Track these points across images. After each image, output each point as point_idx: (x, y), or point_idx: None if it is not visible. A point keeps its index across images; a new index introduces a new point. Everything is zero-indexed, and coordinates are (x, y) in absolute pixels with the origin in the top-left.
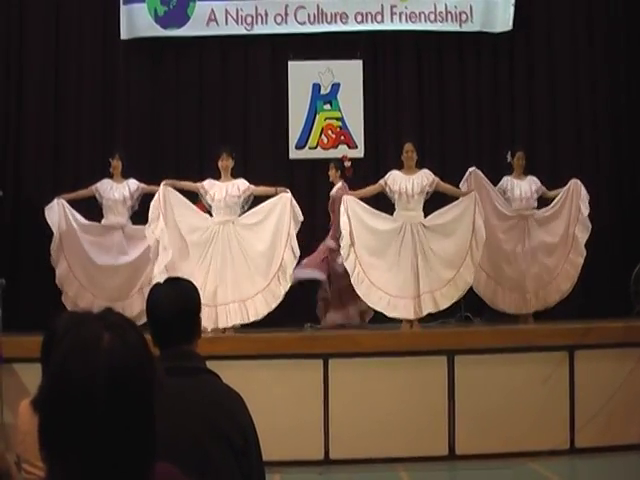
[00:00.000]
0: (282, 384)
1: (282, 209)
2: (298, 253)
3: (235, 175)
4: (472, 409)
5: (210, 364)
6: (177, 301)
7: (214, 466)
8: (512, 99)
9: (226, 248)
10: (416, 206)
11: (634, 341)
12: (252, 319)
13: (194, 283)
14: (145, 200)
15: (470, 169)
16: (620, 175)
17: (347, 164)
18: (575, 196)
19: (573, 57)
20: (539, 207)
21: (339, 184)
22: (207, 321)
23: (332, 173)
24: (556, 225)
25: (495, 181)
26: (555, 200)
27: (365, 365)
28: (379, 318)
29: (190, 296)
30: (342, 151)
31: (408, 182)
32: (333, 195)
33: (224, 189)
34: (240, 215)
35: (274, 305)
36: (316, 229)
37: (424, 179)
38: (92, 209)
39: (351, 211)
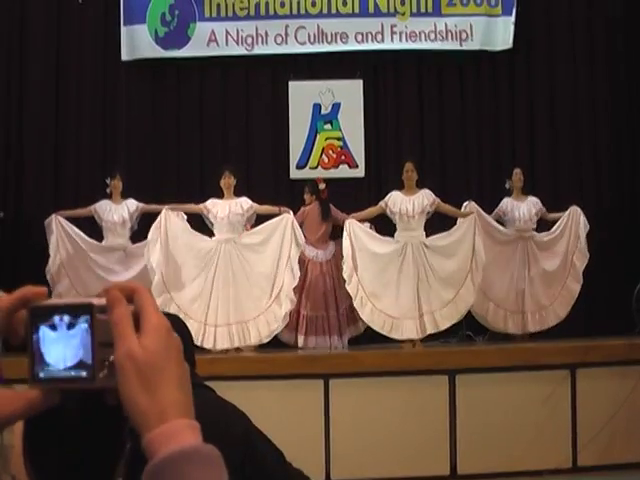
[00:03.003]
0: (282, 405)
1: (284, 230)
2: (298, 274)
3: (237, 194)
4: (474, 428)
5: (210, 385)
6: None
7: None
8: (512, 118)
9: (228, 268)
10: (417, 226)
11: (636, 359)
12: (254, 341)
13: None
14: (145, 219)
15: (466, 203)
16: (621, 191)
17: (321, 186)
18: (574, 224)
19: (573, 76)
20: (539, 228)
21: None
22: (203, 340)
23: (307, 197)
24: (555, 251)
25: (496, 201)
26: (555, 227)
27: (366, 385)
28: (380, 338)
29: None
30: (343, 171)
31: (409, 203)
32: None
33: (227, 207)
34: (242, 234)
35: (276, 327)
36: None
37: (425, 199)
38: (92, 229)
39: (354, 235)
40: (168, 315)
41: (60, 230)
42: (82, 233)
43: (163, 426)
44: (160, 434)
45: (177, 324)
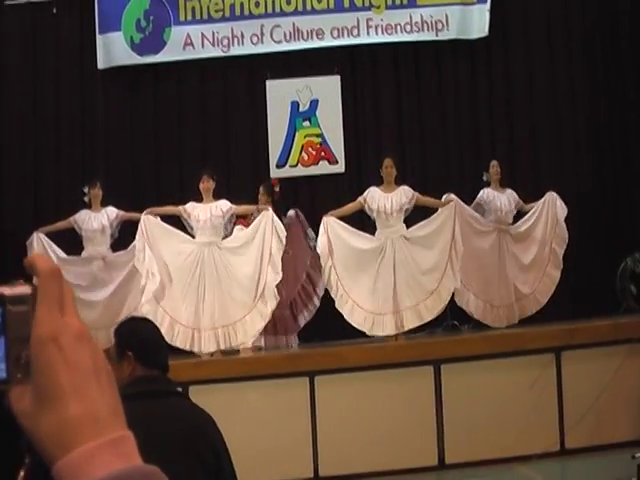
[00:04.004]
0: (269, 404)
1: (264, 227)
2: (280, 269)
3: (217, 196)
4: (460, 417)
5: (196, 388)
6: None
7: None
8: (491, 107)
9: (212, 272)
10: (396, 223)
11: (621, 338)
12: (241, 341)
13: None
14: (125, 227)
15: (445, 195)
16: (601, 175)
17: (276, 189)
18: (551, 208)
19: (550, 61)
20: (515, 221)
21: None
22: (192, 345)
23: (262, 197)
24: (533, 238)
25: (476, 193)
26: (530, 212)
27: (351, 380)
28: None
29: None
30: (323, 168)
31: (387, 200)
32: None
33: (208, 210)
34: (224, 238)
35: (262, 325)
36: None
37: (403, 197)
38: (72, 241)
39: (332, 231)
40: (138, 318)
41: (41, 247)
42: (60, 250)
43: (68, 456)
44: (66, 466)
45: (146, 327)
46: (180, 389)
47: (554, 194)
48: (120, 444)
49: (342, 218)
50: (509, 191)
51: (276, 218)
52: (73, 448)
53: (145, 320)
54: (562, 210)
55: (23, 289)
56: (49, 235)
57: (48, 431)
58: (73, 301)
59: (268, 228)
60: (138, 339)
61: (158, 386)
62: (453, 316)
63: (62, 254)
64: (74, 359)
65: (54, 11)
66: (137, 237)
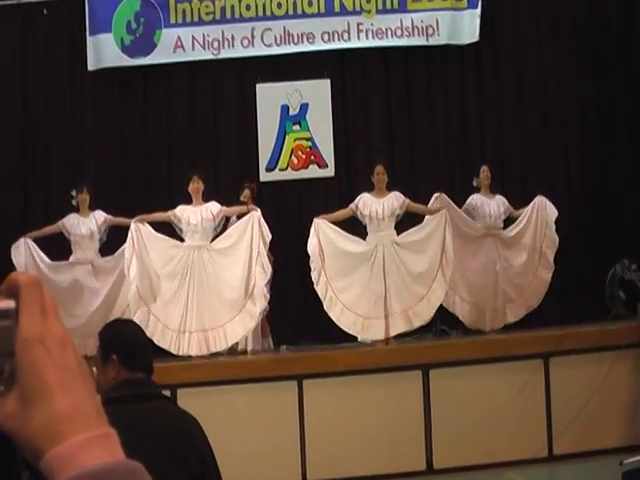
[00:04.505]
0: (257, 408)
1: (252, 228)
2: (270, 270)
3: (206, 199)
4: (449, 422)
5: (185, 392)
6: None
7: None
8: (481, 112)
9: (201, 275)
10: (387, 228)
11: (609, 344)
12: (230, 343)
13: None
14: (113, 231)
15: (436, 194)
16: (591, 182)
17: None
18: (540, 212)
19: (540, 66)
20: (506, 226)
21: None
22: (182, 348)
23: (248, 197)
24: (523, 243)
25: (465, 197)
26: (520, 217)
27: (340, 384)
28: (353, 336)
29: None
30: (313, 171)
31: (378, 205)
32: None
33: (198, 213)
34: (213, 239)
35: (252, 325)
36: (287, 250)
37: (394, 202)
38: (61, 245)
39: (322, 234)
40: (121, 320)
41: (28, 253)
42: (46, 257)
43: (59, 447)
44: (57, 457)
45: (130, 329)
46: (165, 392)
47: (543, 198)
48: (107, 440)
49: (332, 223)
50: (498, 197)
51: (262, 220)
52: (62, 440)
53: (129, 322)
54: (552, 213)
55: (6, 304)
56: (37, 239)
57: (37, 427)
58: (55, 308)
59: (256, 229)
60: (122, 342)
61: (143, 390)
62: (442, 321)
63: (48, 260)
64: (60, 360)
65: (44, 12)
66: (127, 246)
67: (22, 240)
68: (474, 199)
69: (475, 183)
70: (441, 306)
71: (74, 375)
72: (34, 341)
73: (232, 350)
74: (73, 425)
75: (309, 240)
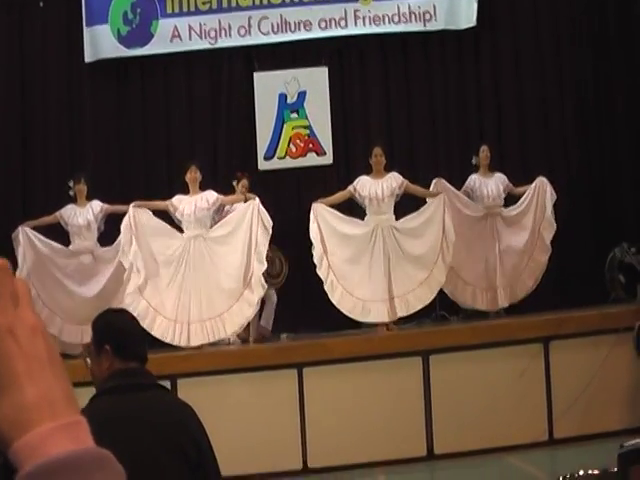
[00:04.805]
0: (257, 396)
1: (251, 216)
2: (264, 260)
3: (204, 188)
4: (449, 408)
5: (184, 381)
6: (137, 322)
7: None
8: (479, 97)
9: (198, 265)
10: (387, 209)
11: (609, 328)
12: (229, 332)
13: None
14: (111, 220)
15: (435, 180)
16: (589, 165)
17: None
18: (541, 194)
19: (538, 50)
20: (506, 203)
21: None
22: (180, 339)
23: (246, 186)
24: (523, 224)
25: (464, 178)
26: (522, 199)
27: (339, 372)
28: (355, 323)
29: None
30: (311, 159)
31: (377, 186)
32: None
33: (193, 203)
34: (211, 227)
35: (250, 314)
36: (286, 239)
37: (393, 182)
38: (60, 236)
39: (321, 219)
40: (114, 310)
41: (26, 240)
42: (52, 242)
43: (25, 436)
44: (23, 446)
45: (122, 318)
46: (165, 382)
47: (544, 179)
48: (75, 428)
49: (331, 207)
50: (497, 175)
51: (262, 208)
52: (30, 429)
53: (122, 311)
54: (551, 197)
55: None
56: (36, 229)
57: (5, 416)
58: (28, 295)
59: (255, 217)
60: (114, 332)
61: (137, 379)
62: (442, 307)
63: (53, 244)
64: (29, 349)
65: (41, 4)
66: (123, 229)
67: (20, 229)
68: (472, 180)
69: (474, 161)
70: (441, 291)
71: (43, 364)
72: (3, 331)
73: (225, 343)
74: (40, 414)
75: (310, 226)
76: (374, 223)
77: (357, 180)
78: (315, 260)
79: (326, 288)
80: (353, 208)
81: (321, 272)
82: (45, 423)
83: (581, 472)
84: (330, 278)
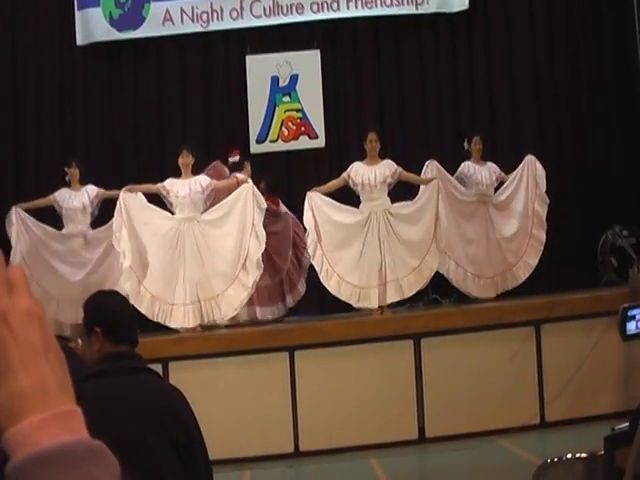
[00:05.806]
0: (249, 379)
1: (245, 199)
2: (264, 240)
3: (196, 172)
4: (440, 391)
5: (176, 364)
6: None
7: (157, 463)
8: (471, 81)
9: (192, 247)
10: (380, 195)
11: (600, 311)
12: (224, 314)
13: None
14: (105, 205)
15: (428, 162)
16: (582, 148)
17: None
18: (530, 172)
19: (531, 33)
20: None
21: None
22: (174, 320)
23: (249, 171)
24: (515, 205)
25: (457, 164)
26: (511, 177)
27: (331, 355)
28: (346, 306)
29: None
30: (303, 142)
31: (370, 173)
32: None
33: (187, 186)
34: (204, 212)
35: (245, 296)
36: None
37: (386, 170)
38: (52, 219)
39: (315, 207)
40: (105, 292)
41: (20, 222)
42: (41, 223)
43: (18, 425)
44: (15, 435)
45: (113, 301)
46: (157, 366)
47: (532, 157)
48: (68, 418)
49: (326, 194)
50: (489, 164)
51: (256, 190)
52: (22, 419)
53: (113, 293)
54: (541, 172)
55: None
56: (29, 212)
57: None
58: (24, 282)
59: (249, 200)
60: (105, 314)
61: (127, 363)
62: (434, 290)
63: (45, 227)
64: (23, 337)
65: None
66: (115, 215)
67: (13, 209)
68: (466, 166)
69: (466, 146)
70: (433, 274)
71: (37, 352)
72: None
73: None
74: (34, 403)
75: (304, 215)
76: (368, 210)
77: (351, 167)
78: (309, 250)
79: (321, 277)
80: (350, 197)
81: (315, 262)
82: (38, 413)
83: (569, 455)
84: (325, 267)
